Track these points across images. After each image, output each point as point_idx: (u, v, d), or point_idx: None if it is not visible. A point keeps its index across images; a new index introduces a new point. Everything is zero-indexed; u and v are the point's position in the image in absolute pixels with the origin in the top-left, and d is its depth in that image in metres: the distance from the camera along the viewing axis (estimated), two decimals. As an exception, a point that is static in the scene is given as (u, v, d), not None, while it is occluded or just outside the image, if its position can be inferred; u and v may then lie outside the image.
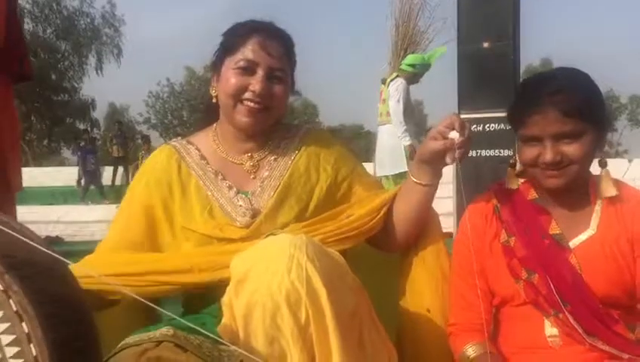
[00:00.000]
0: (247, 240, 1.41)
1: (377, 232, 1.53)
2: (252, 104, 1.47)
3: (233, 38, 1.50)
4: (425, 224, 1.56)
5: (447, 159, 1.40)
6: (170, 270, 1.36)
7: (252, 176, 1.52)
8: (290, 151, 1.55)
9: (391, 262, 1.64)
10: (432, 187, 1.49)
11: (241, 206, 1.47)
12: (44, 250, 0.91)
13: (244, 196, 1.49)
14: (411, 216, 1.52)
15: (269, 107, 1.49)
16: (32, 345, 0.82)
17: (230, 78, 1.47)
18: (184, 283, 1.37)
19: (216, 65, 1.54)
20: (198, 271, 1.34)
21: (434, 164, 1.45)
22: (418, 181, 1.47)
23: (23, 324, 0.82)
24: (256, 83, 1.45)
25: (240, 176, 1.53)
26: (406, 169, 5.33)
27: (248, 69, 1.47)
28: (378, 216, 1.50)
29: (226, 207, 1.48)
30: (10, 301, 0.83)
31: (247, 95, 1.47)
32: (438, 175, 1.49)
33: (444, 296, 1.51)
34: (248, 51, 1.46)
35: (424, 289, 1.51)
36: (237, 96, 1.47)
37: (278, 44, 1.50)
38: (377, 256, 1.65)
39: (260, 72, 1.46)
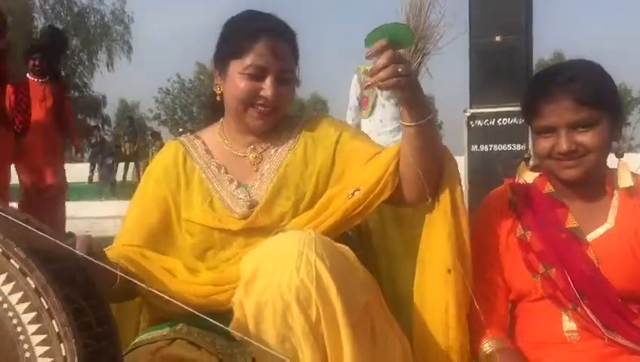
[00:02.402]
0: (247, 233, 1.42)
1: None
2: (263, 108, 1.47)
3: (239, 40, 1.47)
4: (440, 175, 1.42)
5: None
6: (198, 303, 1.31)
7: (255, 169, 1.52)
8: (290, 142, 1.55)
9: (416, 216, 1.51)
10: (418, 127, 1.33)
11: (240, 198, 1.48)
12: (63, 245, 0.92)
13: (244, 189, 1.50)
14: (411, 164, 1.37)
15: (278, 107, 1.49)
16: (61, 345, 0.83)
17: (239, 83, 1.46)
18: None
19: (220, 65, 1.52)
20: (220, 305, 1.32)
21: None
22: (403, 122, 1.36)
23: (54, 322, 0.83)
24: (267, 89, 1.45)
25: (243, 168, 1.53)
26: None
27: (258, 75, 1.45)
28: (384, 179, 1.40)
29: (226, 200, 1.48)
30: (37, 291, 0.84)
31: (258, 100, 1.46)
32: (416, 112, 1.32)
33: (465, 255, 1.38)
34: (257, 57, 1.44)
35: (445, 246, 1.38)
36: (248, 102, 1.47)
37: (285, 44, 1.49)
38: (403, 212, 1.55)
39: (270, 77, 1.45)
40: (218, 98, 1.54)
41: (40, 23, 29.55)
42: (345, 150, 1.52)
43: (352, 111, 5.46)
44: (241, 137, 1.55)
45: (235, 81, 1.46)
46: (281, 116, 1.54)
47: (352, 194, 1.39)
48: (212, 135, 1.60)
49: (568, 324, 1.39)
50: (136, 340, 1.23)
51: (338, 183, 1.49)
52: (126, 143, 14.98)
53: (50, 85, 5.13)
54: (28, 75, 5.11)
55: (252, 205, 1.46)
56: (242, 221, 1.44)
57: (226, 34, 1.54)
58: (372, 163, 1.46)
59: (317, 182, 1.49)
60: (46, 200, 4.92)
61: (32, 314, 0.84)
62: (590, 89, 1.35)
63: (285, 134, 1.56)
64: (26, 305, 0.83)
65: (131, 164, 15.23)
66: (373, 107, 5.37)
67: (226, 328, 1.12)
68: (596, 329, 1.35)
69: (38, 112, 5.01)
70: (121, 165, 15.19)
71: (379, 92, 5.25)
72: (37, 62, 5.06)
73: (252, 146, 1.54)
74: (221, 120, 1.60)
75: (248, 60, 1.45)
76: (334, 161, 1.51)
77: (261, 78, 1.45)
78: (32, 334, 0.84)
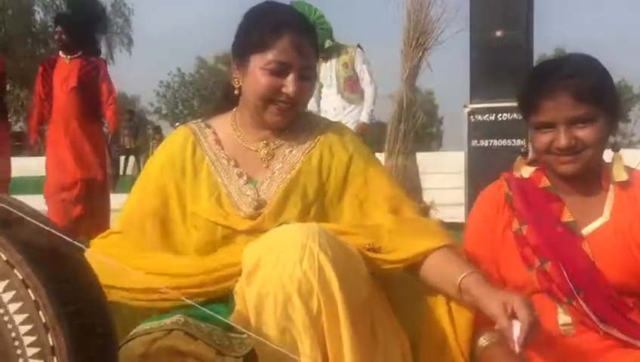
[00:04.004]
0: (250, 232, 1.39)
1: None
2: (283, 105, 1.44)
3: (262, 34, 1.43)
4: None
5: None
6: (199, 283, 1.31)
7: (265, 165, 1.49)
8: (306, 145, 1.51)
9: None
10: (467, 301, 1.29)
11: (248, 195, 1.45)
12: (62, 236, 0.91)
13: (252, 186, 1.47)
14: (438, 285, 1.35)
15: (298, 103, 1.47)
16: (49, 335, 0.82)
17: (260, 78, 1.42)
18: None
19: (240, 58, 1.48)
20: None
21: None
22: (465, 294, 1.28)
23: (40, 313, 0.83)
24: (289, 85, 1.41)
25: (253, 163, 1.50)
26: None
27: (280, 71, 1.42)
28: (407, 263, 1.33)
29: (234, 195, 1.46)
30: (29, 290, 0.83)
31: (279, 97, 1.43)
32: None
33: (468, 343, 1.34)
34: (280, 52, 1.41)
35: (448, 332, 1.33)
36: (269, 98, 1.43)
37: (307, 40, 1.46)
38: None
39: (293, 74, 1.42)
40: (236, 92, 1.50)
41: (40, 16, 29.53)
42: (359, 180, 1.49)
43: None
44: (255, 131, 1.52)
45: (256, 76, 1.42)
46: (300, 112, 1.52)
47: (370, 249, 1.32)
48: (224, 125, 1.56)
49: (564, 318, 1.40)
50: (133, 331, 1.23)
51: (350, 210, 1.46)
52: (126, 137, 14.94)
53: (81, 62, 4.43)
54: (60, 52, 4.47)
55: (259, 205, 1.44)
56: (248, 221, 1.42)
57: (246, 26, 1.49)
58: (402, 235, 1.38)
59: (328, 195, 1.47)
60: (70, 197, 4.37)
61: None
62: (589, 85, 1.35)
63: (303, 135, 1.52)
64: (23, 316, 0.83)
65: (131, 158, 15.21)
66: (319, 100, 5.30)
67: (225, 320, 1.13)
68: (591, 322, 1.36)
69: (58, 96, 4.35)
70: (122, 159, 15.17)
71: (324, 82, 5.18)
72: (60, 36, 4.39)
73: (265, 141, 1.51)
74: (234, 110, 1.57)
75: (271, 56, 1.41)
76: (346, 183, 1.49)
77: (283, 74, 1.42)
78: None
